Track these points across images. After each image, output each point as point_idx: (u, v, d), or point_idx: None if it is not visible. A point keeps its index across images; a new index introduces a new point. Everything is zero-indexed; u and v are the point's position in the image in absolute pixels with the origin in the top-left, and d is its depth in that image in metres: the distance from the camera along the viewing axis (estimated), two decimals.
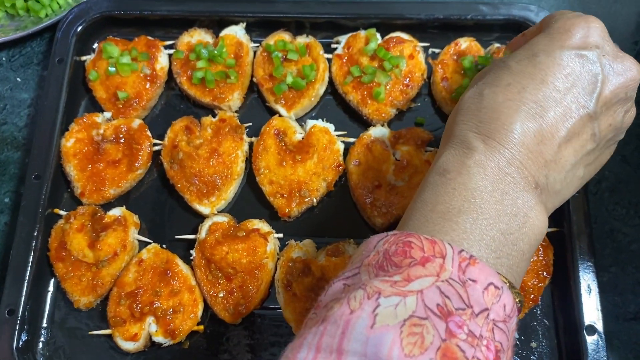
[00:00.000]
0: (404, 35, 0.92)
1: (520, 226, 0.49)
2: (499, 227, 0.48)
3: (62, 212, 0.84)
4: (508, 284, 0.46)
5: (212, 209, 0.84)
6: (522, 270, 0.51)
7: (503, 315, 0.44)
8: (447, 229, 0.48)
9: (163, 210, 0.87)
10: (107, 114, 0.89)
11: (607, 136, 0.56)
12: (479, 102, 0.53)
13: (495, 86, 0.53)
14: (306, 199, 0.83)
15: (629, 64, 0.55)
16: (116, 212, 0.83)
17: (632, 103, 0.57)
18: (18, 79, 0.98)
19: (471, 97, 0.55)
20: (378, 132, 0.87)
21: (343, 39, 0.93)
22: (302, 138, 0.87)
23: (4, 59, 0.99)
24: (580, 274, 0.77)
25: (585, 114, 0.52)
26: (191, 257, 0.81)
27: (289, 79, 0.89)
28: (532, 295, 0.77)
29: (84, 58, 0.93)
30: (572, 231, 0.80)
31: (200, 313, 0.78)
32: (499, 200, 0.49)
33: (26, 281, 0.79)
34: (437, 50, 0.93)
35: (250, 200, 0.87)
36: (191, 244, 0.82)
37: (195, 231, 0.83)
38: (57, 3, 1.00)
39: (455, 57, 0.91)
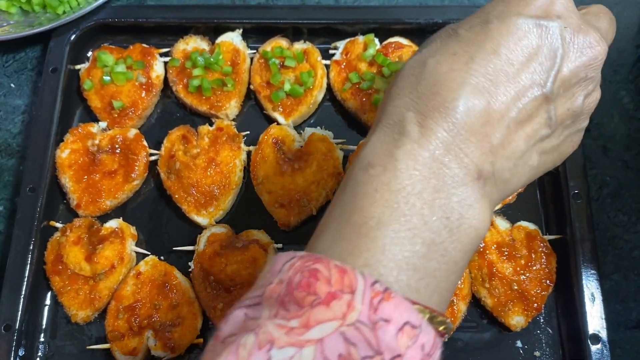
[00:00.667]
0: (403, 40, 0.91)
1: (452, 231, 0.42)
2: (424, 238, 0.41)
3: (58, 225, 0.83)
4: (429, 316, 0.40)
5: (210, 220, 0.83)
6: (452, 284, 0.44)
7: (421, 357, 0.38)
8: (361, 249, 0.41)
9: (160, 221, 0.86)
10: (103, 124, 0.88)
11: (565, 122, 0.48)
12: (420, 72, 0.45)
13: (440, 54, 0.45)
14: (306, 208, 0.82)
15: (592, 40, 0.47)
16: (113, 224, 0.82)
17: (595, 85, 0.49)
18: (12, 85, 0.97)
19: (412, 66, 0.46)
20: None
21: (341, 44, 0.92)
22: (301, 146, 0.86)
23: None
24: (583, 281, 0.76)
25: (540, 94, 0.44)
26: (190, 269, 0.79)
27: (287, 86, 0.88)
28: (536, 304, 0.77)
29: (78, 67, 0.92)
30: (574, 238, 0.79)
31: (199, 326, 0.78)
32: (428, 202, 0.41)
33: (22, 296, 0.78)
34: None
35: (249, 211, 0.86)
36: (190, 255, 0.81)
37: (193, 242, 0.82)
38: (76, 0, 0.94)
39: None
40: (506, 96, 0.43)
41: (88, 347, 0.79)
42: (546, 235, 0.81)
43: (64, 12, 0.92)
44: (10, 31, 0.91)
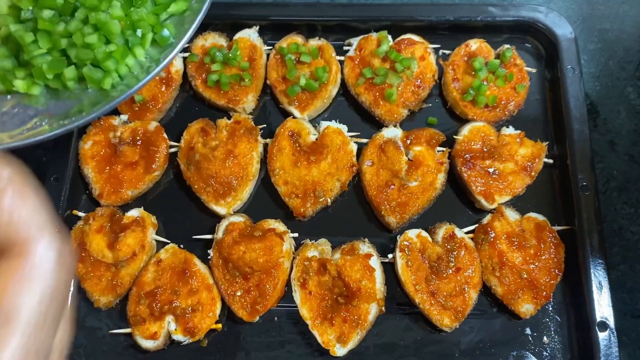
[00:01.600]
0: (415, 37, 0.93)
1: None
2: None
3: (80, 214, 0.86)
4: None
5: (229, 210, 0.85)
6: None
7: None
8: None
9: (180, 211, 0.88)
10: (124, 117, 0.91)
11: None
12: None
13: None
14: (320, 199, 0.85)
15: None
16: (134, 213, 0.85)
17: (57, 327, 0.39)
18: None
19: None
20: (390, 132, 0.88)
21: (355, 41, 0.94)
22: (316, 139, 0.88)
23: None
24: (591, 270, 0.79)
25: None
26: (209, 257, 0.82)
27: (302, 81, 0.90)
28: (545, 292, 0.79)
29: None
30: (582, 229, 0.81)
31: (218, 311, 0.80)
32: None
33: None
34: (447, 52, 0.94)
35: (266, 201, 0.88)
36: (208, 243, 0.84)
37: (212, 231, 0.84)
38: (126, 65, 0.70)
39: (465, 58, 0.92)
40: None
41: (110, 332, 0.81)
42: (555, 226, 0.84)
43: (113, 87, 0.69)
44: (38, 128, 0.61)
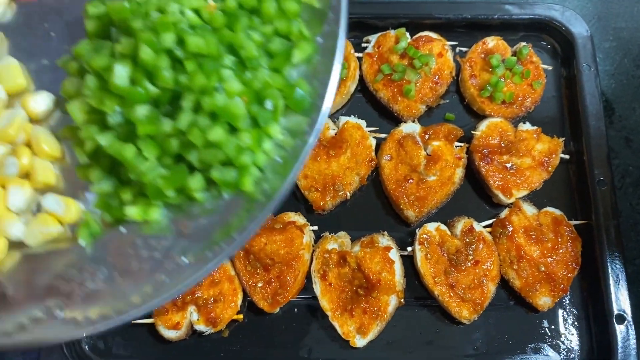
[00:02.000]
0: (433, 35, 0.95)
1: None
2: None
3: None
4: None
5: None
6: None
7: None
8: None
9: None
10: None
11: None
12: None
13: None
14: (340, 193, 0.86)
15: None
16: None
17: None
18: None
19: None
20: (409, 127, 0.89)
21: (373, 38, 0.95)
22: (335, 134, 0.89)
23: None
24: (608, 264, 0.80)
25: None
26: None
27: None
28: (562, 285, 0.80)
29: None
30: (599, 223, 0.82)
31: (240, 302, 0.81)
32: None
33: None
34: (464, 49, 0.96)
35: (286, 194, 0.89)
36: None
37: None
38: (264, 151, 0.52)
39: (482, 56, 0.93)
40: None
41: (133, 322, 0.82)
42: (572, 220, 0.85)
43: (257, 184, 0.52)
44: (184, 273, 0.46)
